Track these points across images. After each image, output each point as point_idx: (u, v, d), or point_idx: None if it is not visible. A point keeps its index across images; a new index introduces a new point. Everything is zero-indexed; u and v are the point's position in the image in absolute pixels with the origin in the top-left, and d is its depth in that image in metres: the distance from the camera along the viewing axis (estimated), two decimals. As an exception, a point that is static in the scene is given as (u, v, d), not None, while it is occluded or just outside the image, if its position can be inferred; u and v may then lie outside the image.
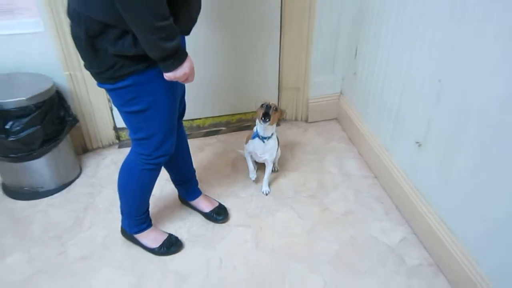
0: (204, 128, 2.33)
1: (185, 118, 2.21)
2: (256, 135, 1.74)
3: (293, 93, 2.35)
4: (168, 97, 1.23)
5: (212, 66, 2.14)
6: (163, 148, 1.33)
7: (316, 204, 1.83)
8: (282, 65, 2.23)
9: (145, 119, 1.24)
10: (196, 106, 2.25)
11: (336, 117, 2.45)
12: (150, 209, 1.62)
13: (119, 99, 1.21)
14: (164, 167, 1.62)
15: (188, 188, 1.74)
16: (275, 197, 1.87)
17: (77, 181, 2.02)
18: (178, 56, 1.08)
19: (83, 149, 2.19)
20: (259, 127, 1.71)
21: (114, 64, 1.10)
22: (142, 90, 1.17)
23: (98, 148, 2.21)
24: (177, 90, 1.28)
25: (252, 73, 2.23)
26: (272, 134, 1.74)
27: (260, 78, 2.27)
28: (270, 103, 1.64)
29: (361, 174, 2.01)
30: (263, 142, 1.73)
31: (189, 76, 1.14)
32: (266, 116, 1.60)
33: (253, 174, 1.87)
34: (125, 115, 1.25)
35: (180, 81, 1.14)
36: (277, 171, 2.03)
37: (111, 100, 1.25)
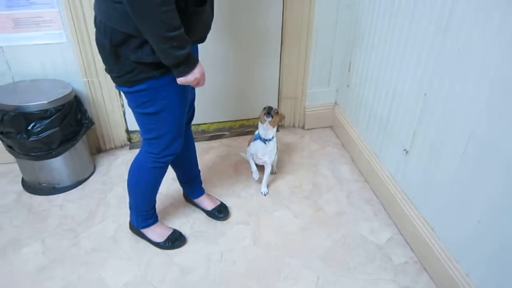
0: (209, 132, 2.35)
1: (192, 123, 2.16)
2: (258, 137, 1.74)
3: (291, 102, 2.36)
4: (179, 101, 1.23)
5: (217, 75, 2.16)
6: (171, 148, 1.32)
7: (311, 204, 1.84)
8: (282, 76, 2.25)
9: (157, 120, 1.23)
10: (202, 112, 2.24)
11: (331, 125, 2.46)
12: (156, 205, 1.61)
13: (135, 101, 1.21)
14: (172, 166, 1.62)
15: (192, 187, 1.73)
16: (273, 198, 1.87)
17: (91, 178, 2.02)
18: (189, 62, 1.08)
19: (97, 149, 2.20)
20: (261, 128, 1.71)
21: (133, 69, 1.11)
22: (156, 94, 1.17)
23: (111, 148, 2.22)
24: (187, 95, 1.28)
25: (254, 82, 2.25)
26: (272, 137, 1.74)
27: (261, 87, 2.29)
28: (272, 107, 1.67)
29: (353, 178, 2.02)
30: (265, 143, 1.72)
31: (200, 81, 1.14)
32: (269, 111, 1.61)
33: (256, 174, 1.86)
34: (138, 116, 1.25)
35: (192, 85, 1.14)
36: (275, 173, 2.03)
37: (127, 101, 1.24)
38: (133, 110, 1.24)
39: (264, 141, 1.71)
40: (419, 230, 1.55)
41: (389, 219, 1.76)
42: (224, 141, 2.30)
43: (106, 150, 2.21)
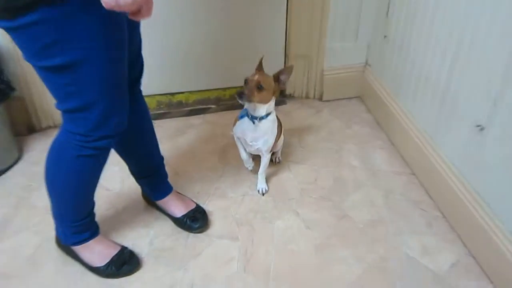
0: (187, 105, 2.30)
1: (163, 91, 2.20)
2: (245, 114, 1.64)
3: (303, 63, 2.29)
4: (110, 44, 1.09)
5: (200, 25, 2.10)
6: (107, 125, 1.21)
7: (331, 209, 1.76)
8: (290, 25, 2.18)
9: (75, 79, 1.10)
10: (177, 77, 2.21)
11: (360, 95, 2.42)
12: (102, 210, 1.62)
13: (28, 47, 1.06)
14: (117, 153, 1.52)
15: (153, 183, 1.64)
16: (275, 198, 1.80)
17: (13, 169, 1.91)
18: None
19: (29, 128, 2.08)
20: (247, 105, 1.63)
21: None
22: (62, 32, 1.02)
23: (49, 128, 2.12)
24: (123, 35, 1.14)
25: (251, 35, 2.18)
26: (267, 114, 1.64)
27: (261, 42, 2.21)
28: (256, 78, 1.54)
29: (393, 169, 1.94)
30: (253, 123, 1.63)
31: (143, 6, 0.96)
32: (241, 93, 1.51)
33: (248, 163, 1.81)
34: (42, 72, 1.11)
35: (129, 11, 0.96)
36: (279, 162, 1.95)
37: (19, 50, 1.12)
38: (32, 64, 1.11)
39: (253, 119, 1.63)
40: (503, 250, 1.41)
41: (451, 232, 1.66)
42: (208, 117, 2.27)
43: (41, 130, 2.11)
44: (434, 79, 1.71)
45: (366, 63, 2.32)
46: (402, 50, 1.92)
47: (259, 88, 1.52)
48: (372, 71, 2.27)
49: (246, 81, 1.53)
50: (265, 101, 1.57)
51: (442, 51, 1.64)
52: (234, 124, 1.72)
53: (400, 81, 1.99)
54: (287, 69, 1.59)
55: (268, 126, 1.65)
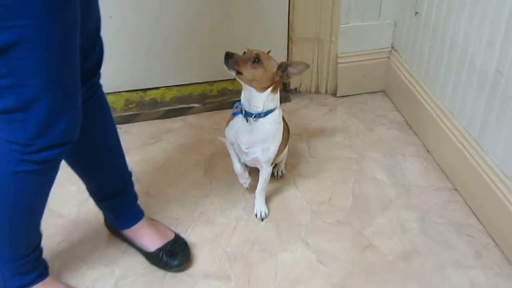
0: (163, 104, 2.31)
1: (132, 86, 2.24)
2: (240, 111, 1.65)
3: (311, 48, 2.32)
4: (56, 22, 1.08)
5: (181, 2, 2.13)
6: (53, 131, 1.19)
7: (351, 237, 1.76)
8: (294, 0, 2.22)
9: (10, 68, 1.09)
10: (151, 68, 2.24)
11: (384, 88, 2.45)
12: (52, 243, 1.64)
13: None
14: (71, 168, 1.51)
15: (119, 207, 1.63)
16: (278, 224, 1.80)
17: None
18: None
19: None
20: (243, 92, 1.63)
21: None
22: None
23: None
24: (75, 10, 1.12)
25: (244, 13, 2.21)
26: (267, 112, 1.64)
27: (256, 23, 2.24)
28: (256, 51, 1.58)
29: (430, 184, 1.95)
30: (247, 121, 1.63)
31: None
32: (228, 55, 1.54)
33: (244, 179, 1.81)
34: None
35: None
36: (282, 176, 1.97)
37: None
38: None
39: (247, 116, 1.63)
40: None
41: (507, 264, 1.64)
42: (191, 119, 2.29)
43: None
44: (480, 67, 1.70)
45: (392, 47, 2.33)
46: (439, 29, 1.93)
47: (255, 61, 1.54)
48: (399, 58, 2.28)
49: (244, 53, 1.57)
50: (259, 85, 1.58)
51: (490, 31, 1.63)
52: (227, 124, 1.74)
53: (436, 69, 1.99)
54: (300, 65, 1.63)
55: (269, 130, 1.65)
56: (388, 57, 2.34)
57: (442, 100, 1.98)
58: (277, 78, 1.60)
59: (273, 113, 1.65)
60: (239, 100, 1.67)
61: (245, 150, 1.68)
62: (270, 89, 1.60)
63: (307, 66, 1.64)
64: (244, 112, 1.63)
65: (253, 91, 1.60)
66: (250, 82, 1.58)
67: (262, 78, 1.58)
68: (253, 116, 1.62)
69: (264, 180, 1.75)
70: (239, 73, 1.55)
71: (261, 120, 1.63)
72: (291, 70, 1.61)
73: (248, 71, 1.55)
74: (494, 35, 1.63)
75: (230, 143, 1.77)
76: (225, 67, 1.55)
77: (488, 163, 1.71)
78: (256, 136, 1.65)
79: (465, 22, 1.77)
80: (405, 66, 2.22)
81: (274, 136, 1.67)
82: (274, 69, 1.60)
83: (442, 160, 2.00)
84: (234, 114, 1.69)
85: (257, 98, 1.60)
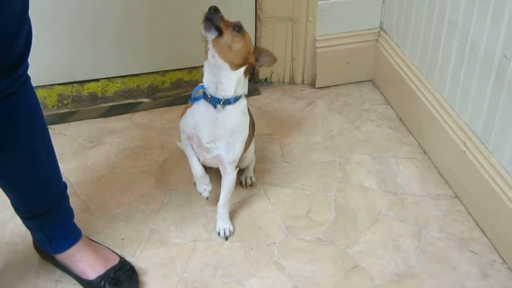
0: (105, 99, 2.33)
1: (67, 78, 2.25)
2: (202, 95, 1.64)
3: (284, 29, 2.35)
4: None
5: None
6: None
7: (333, 257, 1.76)
8: None
9: None
10: (89, 56, 2.23)
11: (372, 77, 2.48)
12: None
13: None
14: None
15: (50, 226, 1.60)
16: (245, 244, 1.80)
17: None
18: None
19: None
20: (207, 69, 1.62)
21: None
22: None
23: None
24: None
25: None
26: (236, 97, 1.64)
27: None
28: (236, 20, 1.61)
29: (427, 191, 1.97)
30: (215, 108, 1.62)
31: None
32: (210, 16, 1.55)
33: (204, 184, 1.80)
34: None
35: None
36: (252, 184, 1.98)
37: None
38: None
39: (214, 102, 1.62)
40: None
41: None
42: (139, 117, 2.29)
43: None
44: (484, 51, 1.71)
45: (381, 28, 2.35)
46: (435, 5, 1.94)
47: (237, 30, 1.58)
48: (389, 40, 2.30)
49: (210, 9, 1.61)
50: (234, 58, 1.60)
51: (494, 7, 1.64)
52: (184, 112, 1.74)
53: (432, 54, 2.01)
54: (269, 56, 1.67)
55: (236, 120, 1.66)
56: (376, 39, 2.35)
57: (440, 91, 1.99)
58: (251, 60, 1.62)
59: (241, 100, 1.66)
60: (200, 85, 1.67)
61: (207, 145, 1.68)
62: (243, 69, 1.62)
63: (275, 59, 1.67)
64: (209, 97, 1.63)
65: (225, 69, 1.60)
66: (225, 52, 1.59)
67: (239, 52, 1.59)
68: (221, 102, 1.63)
69: (228, 190, 1.75)
70: (220, 34, 1.56)
71: (229, 107, 1.64)
72: (261, 58, 1.64)
73: (229, 36, 1.57)
74: (499, 12, 1.63)
75: (186, 138, 1.76)
76: (205, 24, 1.55)
77: (494, 165, 1.71)
78: (221, 127, 1.66)
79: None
80: (396, 51, 2.23)
81: (241, 129, 1.69)
82: (251, 48, 1.63)
83: (440, 162, 2.01)
84: (194, 99, 1.68)
85: (228, 78, 1.61)
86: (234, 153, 1.70)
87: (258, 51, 1.66)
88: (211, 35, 1.56)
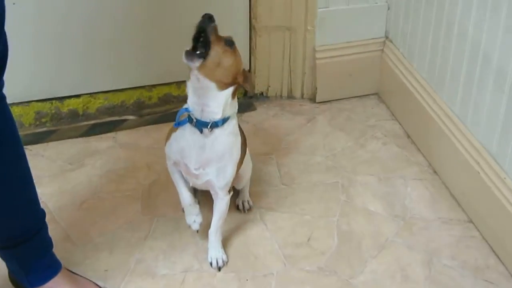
0: (87, 117, 2.34)
1: (45, 94, 2.27)
2: (186, 120, 1.64)
3: (281, 40, 2.37)
4: None
5: None
6: None
7: None
8: None
9: None
10: (69, 71, 2.24)
11: (378, 90, 2.49)
12: None
13: None
14: None
15: (27, 257, 1.60)
16: (240, 275, 1.79)
17: None
18: None
19: None
20: (191, 90, 1.61)
21: None
22: None
23: None
24: None
25: None
26: (224, 119, 1.64)
27: (208, 7, 2.08)
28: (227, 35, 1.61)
29: (438, 215, 1.96)
30: (201, 132, 1.62)
31: None
32: (199, 32, 1.54)
33: (193, 215, 1.80)
34: None
35: None
36: (250, 208, 1.98)
37: None
38: None
39: (200, 126, 1.61)
40: None
41: None
42: (124, 136, 2.30)
43: None
44: (496, 62, 1.71)
45: (386, 37, 2.36)
46: (443, 13, 1.94)
47: (229, 44, 1.57)
48: (396, 51, 2.30)
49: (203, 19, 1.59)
50: (223, 77, 1.59)
51: (507, 15, 1.63)
52: (168, 138, 1.73)
53: (442, 65, 2.01)
54: (251, 83, 1.71)
55: (226, 143, 1.66)
56: (382, 49, 2.36)
57: (451, 106, 1.99)
58: (239, 80, 1.62)
59: (229, 121, 1.65)
60: (185, 108, 1.67)
61: (195, 172, 1.68)
62: (231, 89, 1.61)
63: (252, 89, 1.66)
64: (194, 121, 1.63)
65: (211, 90, 1.58)
66: (213, 71, 1.58)
67: (229, 69, 1.59)
68: (208, 126, 1.62)
69: (220, 216, 1.75)
70: (205, 58, 1.54)
71: (216, 131, 1.63)
72: (245, 83, 1.67)
73: (219, 51, 1.56)
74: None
75: (173, 164, 1.76)
76: (185, 53, 1.53)
77: (511, 187, 1.70)
78: (210, 152, 1.65)
79: (476, 3, 1.77)
80: (403, 62, 2.24)
81: (231, 152, 1.68)
82: (241, 66, 1.63)
83: (452, 183, 2.01)
84: (179, 124, 1.67)
85: (215, 100, 1.60)
86: (226, 177, 1.70)
87: (245, 74, 1.67)
88: (195, 64, 1.55)
